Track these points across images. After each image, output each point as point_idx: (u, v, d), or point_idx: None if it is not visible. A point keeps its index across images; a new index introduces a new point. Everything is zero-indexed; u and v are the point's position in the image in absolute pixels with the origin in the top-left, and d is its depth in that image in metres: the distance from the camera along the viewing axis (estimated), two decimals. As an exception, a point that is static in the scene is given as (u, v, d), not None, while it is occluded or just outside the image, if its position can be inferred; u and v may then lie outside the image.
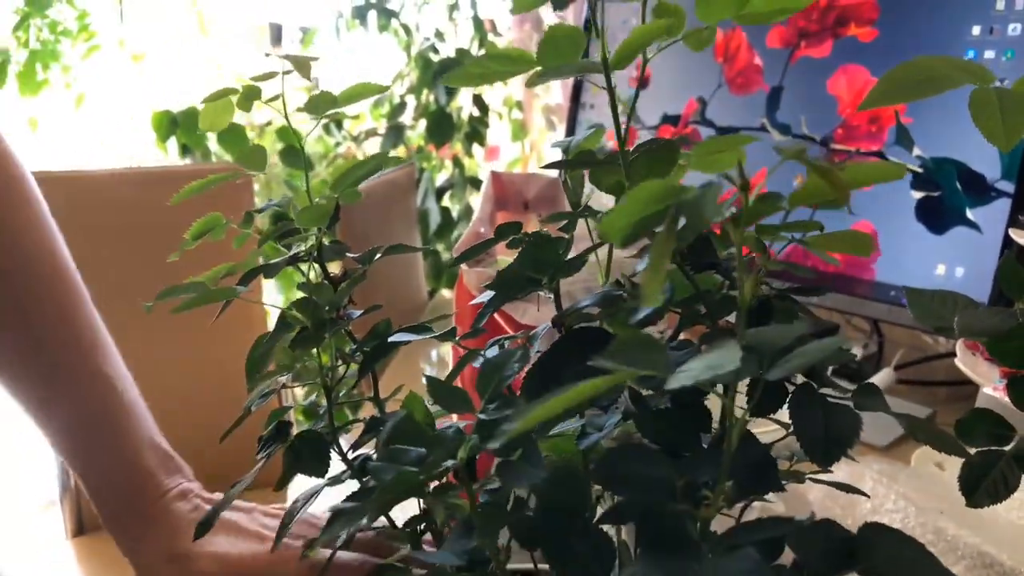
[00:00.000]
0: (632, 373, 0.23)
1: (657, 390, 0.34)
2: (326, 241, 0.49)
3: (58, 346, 0.64)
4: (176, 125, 1.94)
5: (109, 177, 1.58)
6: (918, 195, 1.23)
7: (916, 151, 1.24)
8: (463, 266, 0.77)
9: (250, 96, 0.47)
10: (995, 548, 0.82)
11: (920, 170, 1.23)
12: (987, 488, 0.48)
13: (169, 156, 2.13)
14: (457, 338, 0.44)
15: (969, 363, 0.97)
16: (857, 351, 1.36)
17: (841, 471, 1.03)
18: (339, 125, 2.24)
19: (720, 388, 0.37)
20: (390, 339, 0.43)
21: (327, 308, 0.45)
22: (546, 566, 0.44)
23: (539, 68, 0.44)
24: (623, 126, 0.39)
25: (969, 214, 1.18)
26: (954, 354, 1.37)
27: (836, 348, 0.27)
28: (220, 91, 0.47)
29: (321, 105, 0.48)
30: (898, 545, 0.28)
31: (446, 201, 2.34)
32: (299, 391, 2.24)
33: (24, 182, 0.66)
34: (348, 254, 0.49)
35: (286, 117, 0.49)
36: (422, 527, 0.44)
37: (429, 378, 0.33)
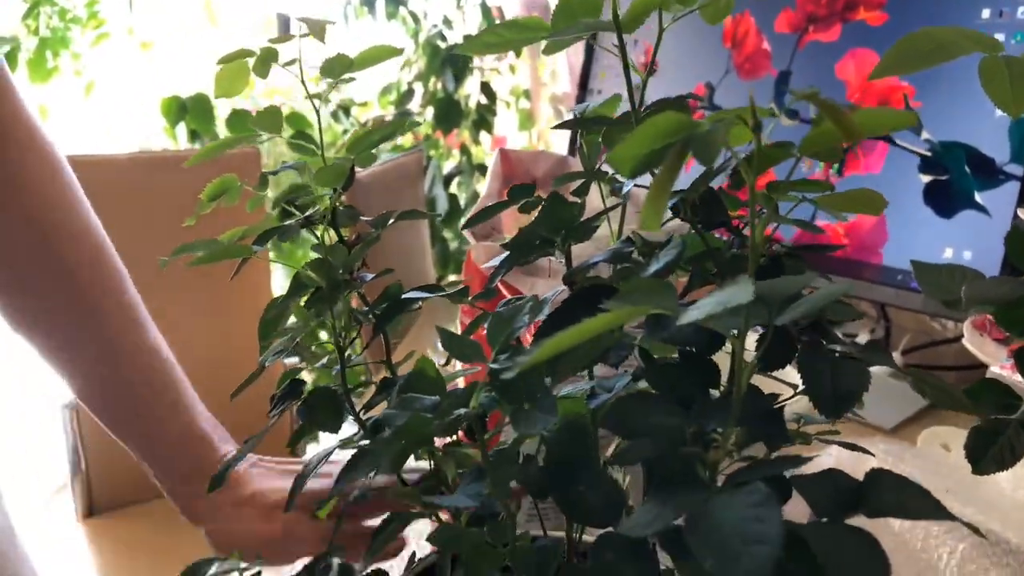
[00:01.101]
0: (643, 309, 0.23)
1: (667, 342, 0.34)
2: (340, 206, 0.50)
3: (113, 321, 0.66)
4: (185, 111, 1.95)
5: (119, 161, 1.59)
6: (926, 179, 1.23)
7: (925, 135, 1.24)
8: (471, 241, 0.77)
9: (267, 59, 0.47)
10: (1001, 526, 0.82)
11: (928, 154, 1.23)
12: (994, 455, 0.48)
13: (179, 143, 2.14)
14: (470, 298, 0.45)
15: (977, 343, 0.97)
16: (864, 336, 1.36)
17: (845, 451, 1.03)
18: (347, 112, 2.24)
19: (728, 347, 0.37)
20: (403, 296, 0.43)
21: (341, 269, 0.46)
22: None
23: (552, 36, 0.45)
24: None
25: (977, 197, 1.18)
26: (961, 338, 1.37)
27: (841, 292, 0.27)
28: (236, 52, 0.47)
29: (337, 68, 0.48)
30: (904, 490, 0.29)
31: (453, 188, 2.34)
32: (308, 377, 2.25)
33: (64, 165, 0.68)
34: (362, 217, 0.50)
35: (303, 82, 0.49)
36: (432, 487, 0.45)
37: (441, 330, 0.34)
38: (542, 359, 0.23)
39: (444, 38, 2.24)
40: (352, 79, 0.48)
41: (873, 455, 0.43)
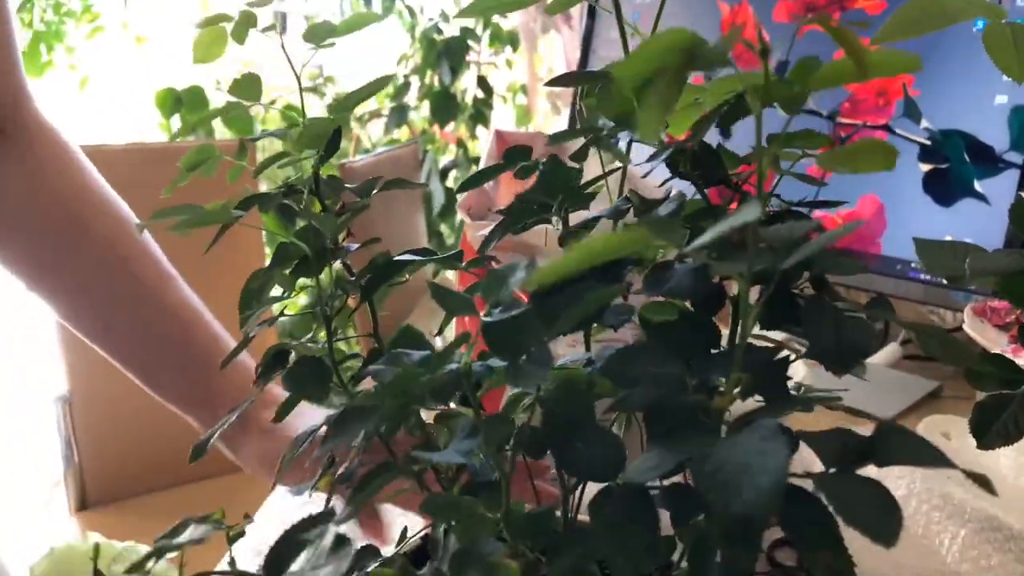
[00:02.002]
0: (650, 235, 0.22)
1: (668, 295, 0.33)
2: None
3: (158, 286, 0.67)
4: (180, 103, 1.93)
5: (113, 152, 1.58)
6: (925, 167, 1.22)
7: (924, 123, 1.23)
8: (467, 221, 0.76)
9: (246, 23, 0.46)
10: (1003, 511, 0.81)
11: (927, 142, 1.22)
12: (998, 430, 0.47)
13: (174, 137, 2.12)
14: (464, 264, 0.44)
15: (977, 329, 0.97)
16: (863, 327, 1.35)
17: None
18: (343, 105, 2.22)
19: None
20: (392, 259, 0.42)
21: (328, 237, 0.45)
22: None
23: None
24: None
25: (977, 186, 1.17)
26: (959, 329, 1.36)
27: (845, 232, 0.26)
28: (213, 16, 0.46)
29: (318, 34, 0.48)
30: (914, 441, 0.28)
31: (450, 182, 2.33)
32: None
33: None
34: (347, 186, 0.49)
35: (284, 48, 0.48)
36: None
37: (432, 284, 0.33)
38: (547, 279, 0.21)
39: (440, 31, 2.23)
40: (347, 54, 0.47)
41: (878, 419, 0.42)
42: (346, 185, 0.49)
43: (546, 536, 0.32)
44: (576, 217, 0.45)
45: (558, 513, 0.37)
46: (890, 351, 1.25)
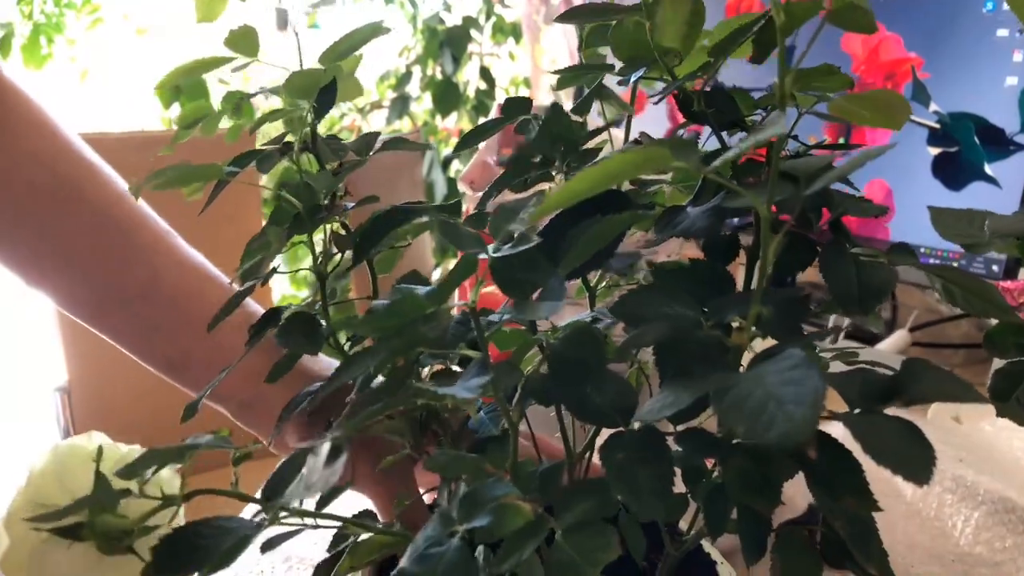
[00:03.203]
0: (668, 153, 0.21)
1: (681, 235, 0.31)
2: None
3: (171, 265, 0.59)
4: (180, 92, 1.92)
5: (109, 140, 1.56)
6: (935, 151, 1.20)
7: (933, 106, 1.21)
8: (468, 193, 0.74)
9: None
10: (1017, 493, 0.80)
11: (937, 126, 1.20)
12: (1019, 396, 0.46)
13: (172, 127, 2.11)
14: (463, 219, 0.42)
15: (990, 308, 0.95)
16: (870, 314, 1.33)
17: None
18: (344, 96, 2.21)
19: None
20: (389, 210, 0.40)
21: (323, 193, 0.43)
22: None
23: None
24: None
25: (987, 169, 1.15)
26: (968, 315, 1.34)
27: (863, 159, 0.24)
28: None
29: (331, 55, 0.46)
30: (940, 376, 0.26)
31: (452, 173, 2.31)
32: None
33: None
34: (343, 143, 0.47)
35: (296, 37, 0.47)
36: (423, 418, 0.42)
37: (438, 220, 0.31)
38: (561, 203, 0.20)
39: (442, 21, 2.21)
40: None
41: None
42: (343, 143, 0.47)
43: (554, 491, 0.30)
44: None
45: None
46: (899, 337, 1.23)
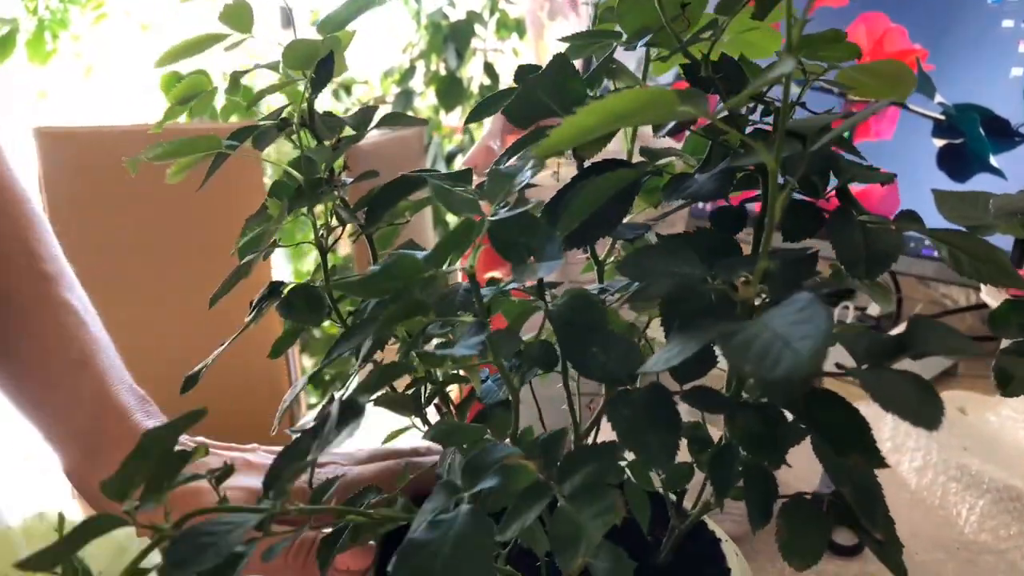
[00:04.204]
0: (672, 94, 0.21)
1: (688, 197, 0.31)
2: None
3: (13, 267, 0.60)
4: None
5: (114, 135, 1.56)
6: (940, 143, 1.20)
7: (938, 98, 1.21)
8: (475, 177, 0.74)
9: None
10: (1022, 482, 0.79)
11: (942, 118, 1.20)
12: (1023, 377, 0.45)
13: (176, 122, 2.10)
14: (472, 186, 0.42)
15: (995, 296, 0.94)
16: (875, 307, 1.33)
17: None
18: (348, 91, 2.22)
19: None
20: (393, 181, 0.40)
21: (323, 166, 0.43)
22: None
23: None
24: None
25: (993, 160, 1.15)
26: (973, 307, 1.34)
27: (868, 112, 0.24)
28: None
29: (328, 25, 0.46)
30: (945, 331, 0.26)
31: (456, 167, 2.30)
32: (307, 361, 2.22)
33: None
34: (342, 118, 0.47)
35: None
36: (425, 394, 0.42)
37: (433, 182, 0.31)
38: (570, 136, 0.19)
39: (446, 17, 2.21)
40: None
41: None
42: (342, 119, 0.47)
43: (559, 455, 0.30)
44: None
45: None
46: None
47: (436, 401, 0.44)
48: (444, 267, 0.28)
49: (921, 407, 0.22)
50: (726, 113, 0.23)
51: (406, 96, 2.20)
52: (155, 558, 0.25)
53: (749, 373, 0.19)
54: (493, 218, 0.29)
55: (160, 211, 1.49)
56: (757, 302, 0.27)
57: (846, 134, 1.43)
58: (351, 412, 0.25)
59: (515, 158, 0.35)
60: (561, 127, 0.20)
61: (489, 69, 2.28)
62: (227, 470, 0.31)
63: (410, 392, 0.42)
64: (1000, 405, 0.97)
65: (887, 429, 0.90)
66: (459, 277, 0.44)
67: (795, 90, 0.42)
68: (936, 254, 1.22)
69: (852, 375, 0.24)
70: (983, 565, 0.72)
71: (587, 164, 0.37)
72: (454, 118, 2.36)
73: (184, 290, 1.45)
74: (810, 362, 0.18)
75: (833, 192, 0.34)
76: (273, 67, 0.48)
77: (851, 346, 0.26)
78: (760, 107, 0.36)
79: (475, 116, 0.46)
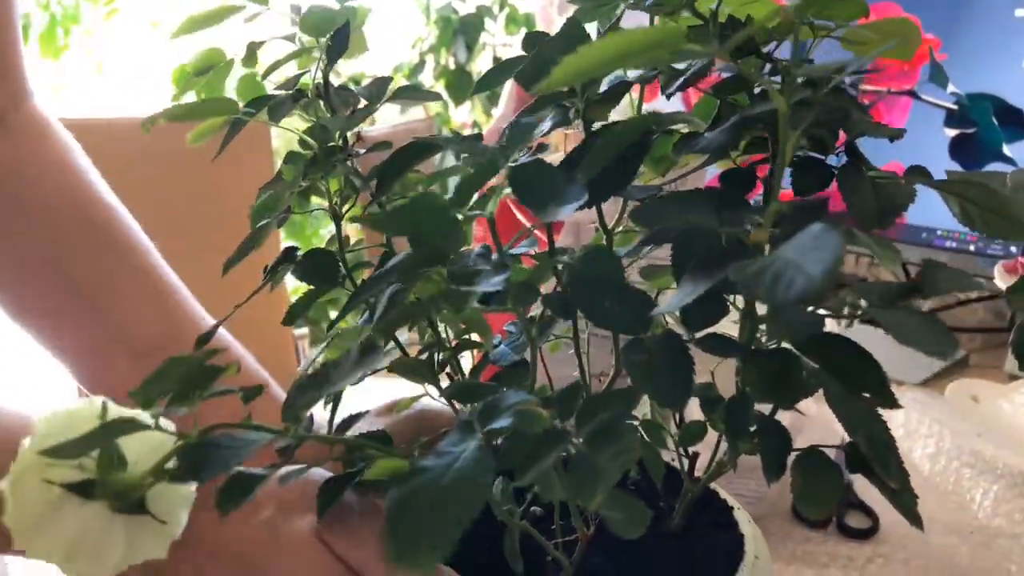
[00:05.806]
0: (681, 30, 0.21)
1: (699, 151, 0.31)
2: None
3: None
4: (195, 83, 1.92)
5: (125, 127, 1.57)
6: (952, 133, 1.20)
7: (950, 87, 1.20)
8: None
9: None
10: (1036, 467, 0.79)
11: (954, 107, 1.19)
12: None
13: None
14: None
15: (1006, 280, 0.94)
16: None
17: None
18: (357, 84, 2.21)
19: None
20: (410, 142, 0.40)
21: (337, 134, 0.44)
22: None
23: None
24: None
25: (1005, 149, 1.14)
26: (986, 298, 1.33)
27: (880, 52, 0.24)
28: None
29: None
30: (954, 272, 0.26)
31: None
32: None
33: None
34: (355, 88, 0.47)
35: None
36: (439, 359, 0.42)
37: (454, 140, 0.31)
38: (582, 68, 0.20)
39: (456, 11, 2.22)
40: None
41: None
42: (353, 90, 0.47)
43: (575, 405, 0.30)
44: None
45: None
46: (914, 320, 1.22)
47: (448, 371, 0.44)
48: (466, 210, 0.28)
49: (935, 338, 0.22)
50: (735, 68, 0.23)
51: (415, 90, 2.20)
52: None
53: (763, 297, 0.19)
54: (514, 163, 0.29)
55: (175, 201, 1.50)
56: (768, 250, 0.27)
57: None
58: (370, 351, 0.25)
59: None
60: (567, 61, 0.20)
61: (498, 63, 2.28)
62: (256, 389, 0.32)
63: (423, 358, 0.42)
64: (1013, 393, 0.96)
65: (900, 415, 0.90)
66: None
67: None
68: (948, 244, 1.22)
69: (868, 313, 0.24)
70: (997, 549, 0.72)
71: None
72: (463, 113, 2.36)
73: (199, 279, 1.46)
74: (822, 280, 0.18)
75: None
76: (290, 38, 0.48)
77: (864, 293, 0.26)
78: (768, 66, 0.36)
79: (484, 84, 0.46)
